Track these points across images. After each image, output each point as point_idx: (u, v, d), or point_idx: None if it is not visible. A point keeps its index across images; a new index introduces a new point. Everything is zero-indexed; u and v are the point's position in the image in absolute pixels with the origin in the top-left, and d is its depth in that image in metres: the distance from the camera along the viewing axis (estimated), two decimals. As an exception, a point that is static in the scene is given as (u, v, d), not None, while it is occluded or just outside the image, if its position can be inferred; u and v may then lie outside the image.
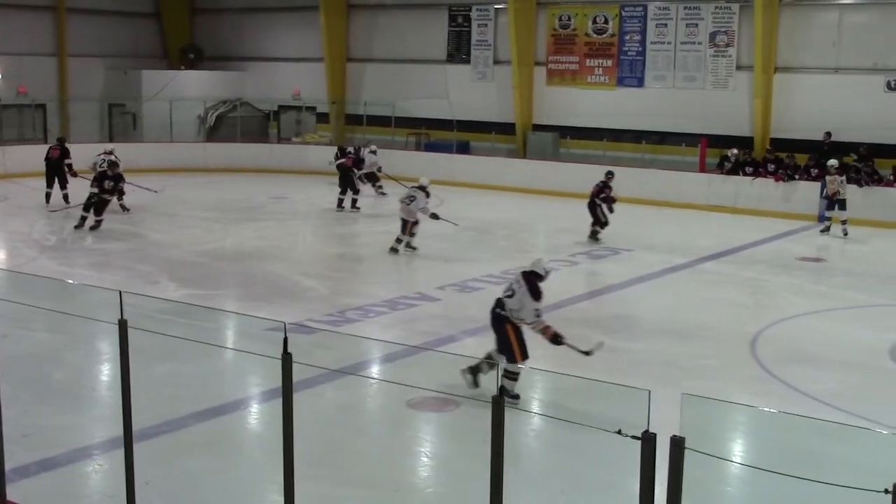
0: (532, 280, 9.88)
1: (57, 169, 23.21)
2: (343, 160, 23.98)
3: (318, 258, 19.06)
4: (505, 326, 9.87)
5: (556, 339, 9.83)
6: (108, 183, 20.05)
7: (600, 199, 19.66)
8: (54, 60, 33.17)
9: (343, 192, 23.45)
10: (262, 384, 10.10)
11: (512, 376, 9.68)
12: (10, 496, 6.98)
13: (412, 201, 17.80)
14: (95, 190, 19.98)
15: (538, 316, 9.82)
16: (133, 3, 35.11)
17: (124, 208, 21.85)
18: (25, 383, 9.88)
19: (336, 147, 26.62)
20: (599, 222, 19.73)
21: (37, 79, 32.28)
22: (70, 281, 14.26)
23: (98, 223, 19.80)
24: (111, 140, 30.23)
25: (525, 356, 9.80)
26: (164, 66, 35.51)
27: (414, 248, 18.13)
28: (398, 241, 18.00)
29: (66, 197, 22.59)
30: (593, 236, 19.77)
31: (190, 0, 36.57)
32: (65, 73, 33.32)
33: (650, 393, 4.50)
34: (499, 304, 9.98)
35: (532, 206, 25.21)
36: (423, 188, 18.03)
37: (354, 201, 23.49)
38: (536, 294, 9.81)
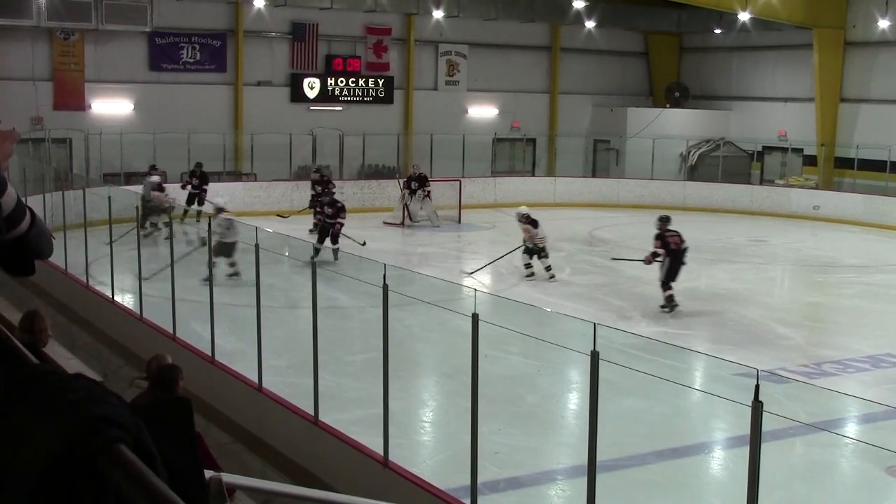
0: None
1: None
2: None
3: (796, 305, 18.25)
4: None
5: None
6: None
7: None
8: (546, 97, 34.92)
9: None
10: (727, 430, 9.85)
11: None
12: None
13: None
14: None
15: None
16: (624, 43, 36.00)
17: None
18: (499, 403, 10.39)
19: None
20: None
21: (529, 114, 34.20)
22: (547, 309, 14.80)
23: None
24: (594, 175, 31.21)
25: None
26: (649, 104, 36.04)
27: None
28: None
29: None
30: None
31: (679, 39, 36.87)
32: (555, 109, 34.97)
33: None
34: None
35: None
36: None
37: None
38: None
